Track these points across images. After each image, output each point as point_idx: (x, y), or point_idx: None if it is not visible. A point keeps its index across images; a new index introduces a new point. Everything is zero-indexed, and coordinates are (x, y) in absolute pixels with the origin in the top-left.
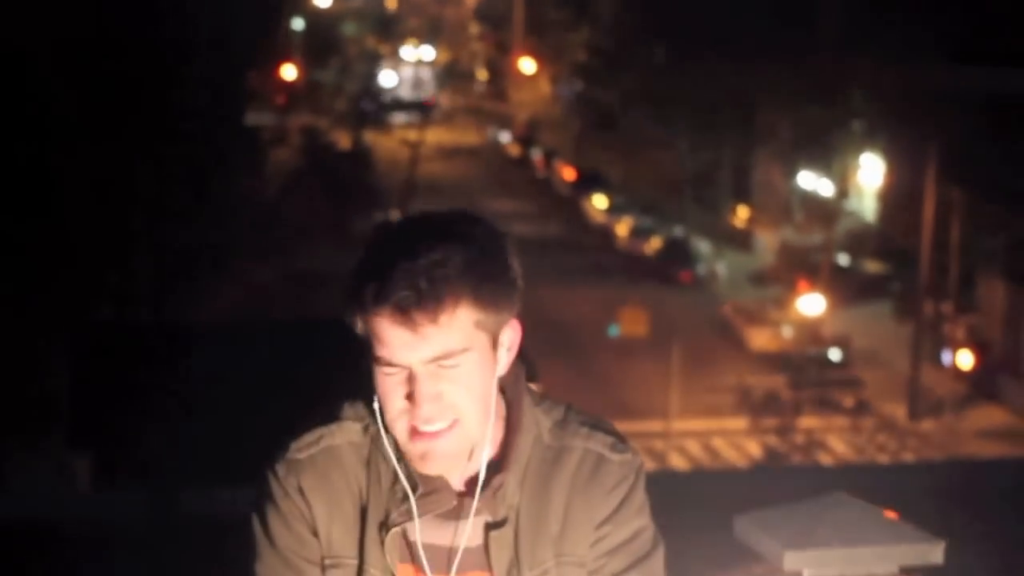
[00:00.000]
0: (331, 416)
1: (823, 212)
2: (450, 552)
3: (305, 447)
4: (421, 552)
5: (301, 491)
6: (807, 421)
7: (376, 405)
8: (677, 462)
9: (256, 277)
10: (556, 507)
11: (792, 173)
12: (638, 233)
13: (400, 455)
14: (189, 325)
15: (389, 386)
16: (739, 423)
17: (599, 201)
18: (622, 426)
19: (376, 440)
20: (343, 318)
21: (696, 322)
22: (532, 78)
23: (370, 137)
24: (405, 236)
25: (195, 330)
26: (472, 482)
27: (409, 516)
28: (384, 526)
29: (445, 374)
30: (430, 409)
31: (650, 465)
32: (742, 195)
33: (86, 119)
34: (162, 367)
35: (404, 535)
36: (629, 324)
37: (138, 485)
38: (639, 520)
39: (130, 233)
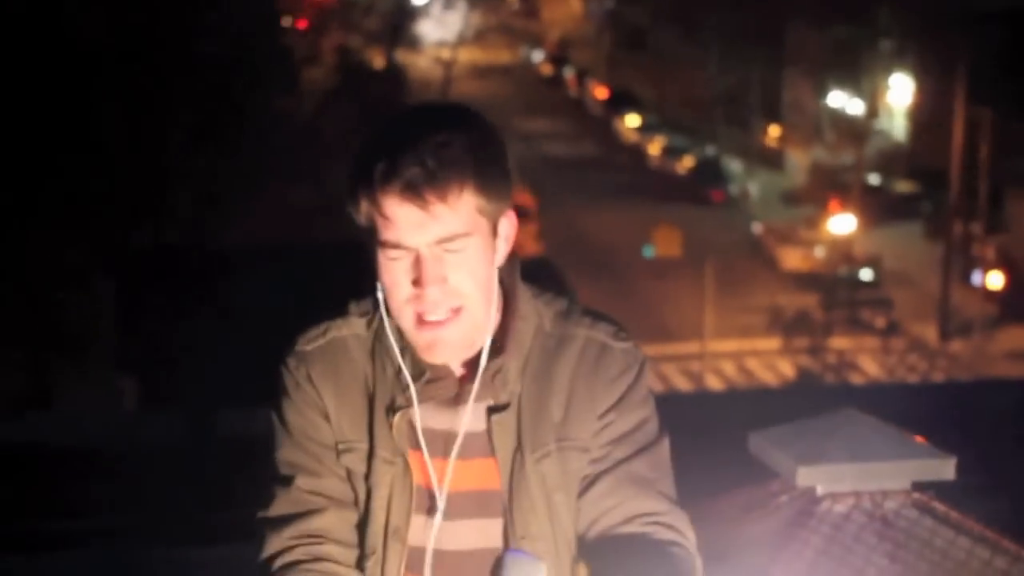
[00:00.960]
0: (337, 312)
1: (853, 132)
2: (453, 437)
3: (312, 339)
4: (423, 437)
5: (311, 379)
6: (838, 341)
7: (380, 295)
8: (713, 383)
9: (293, 198)
10: (558, 392)
11: (822, 92)
12: (670, 152)
13: (403, 345)
14: (227, 248)
15: (395, 271)
16: (772, 343)
17: (631, 120)
18: (661, 348)
19: (380, 332)
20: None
21: (728, 242)
22: None
23: (403, 56)
24: (409, 121)
25: (234, 253)
26: (473, 368)
27: (411, 401)
28: (391, 411)
29: (450, 258)
30: (436, 292)
31: (687, 386)
32: (773, 114)
33: (119, 40)
34: (202, 290)
35: (410, 421)
36: (663, 244)
37: (181, 406)
38: (643, 410)
39: (167, 155)
